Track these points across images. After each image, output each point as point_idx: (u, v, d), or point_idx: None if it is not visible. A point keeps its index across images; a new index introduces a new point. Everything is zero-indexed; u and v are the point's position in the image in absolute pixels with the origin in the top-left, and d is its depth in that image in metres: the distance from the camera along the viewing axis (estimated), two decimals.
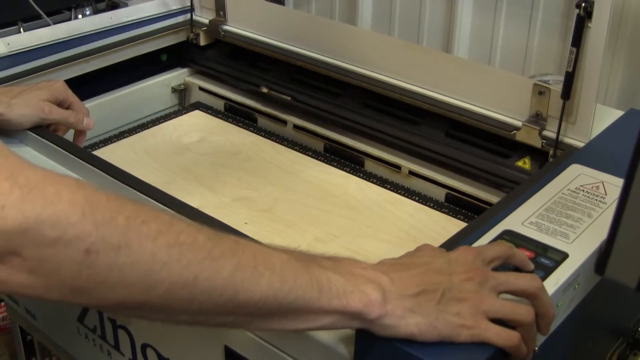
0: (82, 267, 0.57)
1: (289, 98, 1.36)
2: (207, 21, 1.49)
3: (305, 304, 0.65)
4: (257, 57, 1.46)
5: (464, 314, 0.68)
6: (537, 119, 1.07)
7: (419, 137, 1.20)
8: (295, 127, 1.34)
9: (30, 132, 1.10)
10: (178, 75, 1.54)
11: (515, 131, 1.08)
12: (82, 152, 1.06)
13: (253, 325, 0.68)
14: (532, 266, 0.75)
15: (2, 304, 1.71)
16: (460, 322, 0.68)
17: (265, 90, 1.38)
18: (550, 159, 1.05)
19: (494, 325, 0.69)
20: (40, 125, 1.12)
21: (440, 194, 1.18)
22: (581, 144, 1.04)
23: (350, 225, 1.13)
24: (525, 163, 1.08)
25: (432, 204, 1.18)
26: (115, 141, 1.38)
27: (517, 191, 0.94)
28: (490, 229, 0.84)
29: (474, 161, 1.14)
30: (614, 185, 0.92)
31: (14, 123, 1.10)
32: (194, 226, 0.64)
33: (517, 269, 0.75)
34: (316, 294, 0.65)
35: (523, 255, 0.76)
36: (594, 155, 1.00)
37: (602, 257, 0.60)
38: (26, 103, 1.10)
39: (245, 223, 1.11)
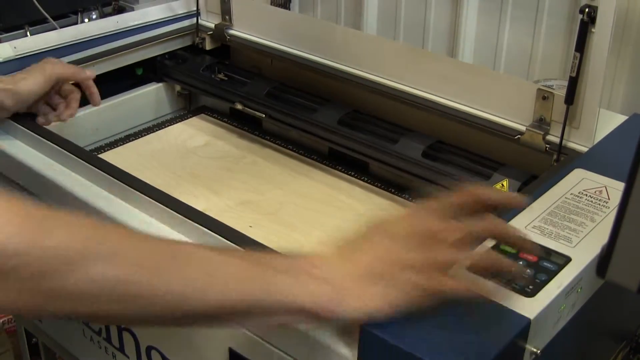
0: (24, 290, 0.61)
1: (264, 115, 1.36)
2: (212, 25, 1.49)
3: (257, 308, 0.69)
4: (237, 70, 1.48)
5: (420, 278, 0.70)
6: (541, 124, 1.07)
7: (394, 157, 1.19)
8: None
9: (36, 136, 1.10)
10: None
11: (519, 136, 1.09)
12: (88, 155, 1.07)
13: (214, 325, 0.73)
14: (509, 194, 0.78)
15: None
16: (417, 283, 0.70)
17: (239, 107, 1.39)
18: (553, 163, 1.05)
19: (451, 278, 0.71)
20: (51, 88, 1.17)
21: None
22: (585, 149, 1.04)
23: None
24: (503, 186, 1.08)
25: None
26: (121, 144, 1.39)
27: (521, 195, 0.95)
28: None
29: (451, 183, 1.12)
30: (617, 189, 0.92)
31: (24, 91, 1.13)
32: (144, 243, 0.68)
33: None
34: (267, 298, 0.68)
35: (495, 193, 0.77)
36: (598, 159, 1.00)
37: (603, 260, 0.60)
38: (28, 72, 1.16)
39: (250, 226, 1.12)
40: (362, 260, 0.72)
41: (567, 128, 1.04)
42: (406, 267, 0.71)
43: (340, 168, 1.30)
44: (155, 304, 0.65)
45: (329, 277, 0.70)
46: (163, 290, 0.65)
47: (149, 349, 1.01)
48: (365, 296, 0.70)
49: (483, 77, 1.16)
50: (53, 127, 1.29)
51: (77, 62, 1.33)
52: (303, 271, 0.71)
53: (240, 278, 0.68)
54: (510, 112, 1.11)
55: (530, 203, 0.90)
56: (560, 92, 1.04)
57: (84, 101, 1.36)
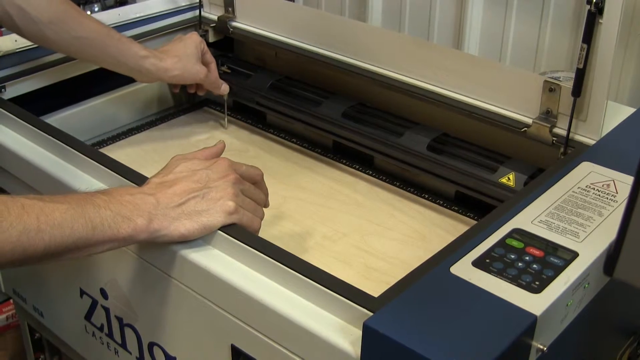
0: None
1: (267, 108, 1.36)
2: (215, 18, 1.48)
3: (83, 241, 0.81)
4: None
5: (224, 201, 0.87)
6: (548, 116, 1.06)
7: (400, 150, 1.18)
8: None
9: (38, 131, 1.09)
10: None
11: (525, 128, 1.07)
12: (89, 150, 1.06)
13: (46, 262, 0.81)
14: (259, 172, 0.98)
15: (10, 301, 1.71)
16: (223, 206, 0.87)
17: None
18: (560, 156, 1.04)
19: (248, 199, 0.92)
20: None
21: (450, 191, 1.17)
22: (592, 142, 1.03)
23: (359, 224, 1.13)
24: (509, 180, 1.07)
25: (441, 202, 1.17)
26: (123, 138, 1.38)
27: (527, 189, 0.93)
28: (499, 228, 0.83)
29: (457, 177, 1.13)
30: (625, 183, 0.91)
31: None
32: None
33: None
34: (91, 232, 0.81)
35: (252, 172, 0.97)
36: (605, 152, 0.99)
37: (611, 258, 0.58)
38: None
39: None
40: (172, 190, 0.87)
41: (574, 120, 1.03)
42: (217, 195, 0.87)
43: (344, 162, 1.29)
44: (2, 249, 0.76)
45: (144, 207, 0.84)
46: (4, 240, 0.76)
47: (151, 345, 1.00)
48: (178, 221, 0.85)
49: (489, 69, 1.15)
50: (55, 120, 1.28)
51: None
52: (121, 203, 0.84)
53: (64, 219, 0.79)
54: (517, 105, 1.10)
55: (537, 197, 0.89)
56: (567, 84, 1.03)
57: (83, 96, 1.36)
